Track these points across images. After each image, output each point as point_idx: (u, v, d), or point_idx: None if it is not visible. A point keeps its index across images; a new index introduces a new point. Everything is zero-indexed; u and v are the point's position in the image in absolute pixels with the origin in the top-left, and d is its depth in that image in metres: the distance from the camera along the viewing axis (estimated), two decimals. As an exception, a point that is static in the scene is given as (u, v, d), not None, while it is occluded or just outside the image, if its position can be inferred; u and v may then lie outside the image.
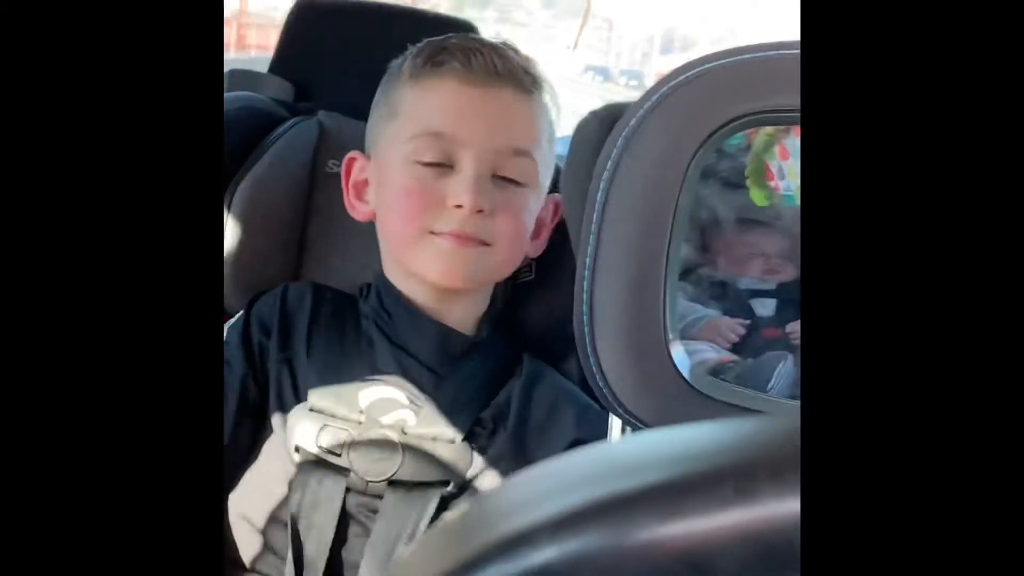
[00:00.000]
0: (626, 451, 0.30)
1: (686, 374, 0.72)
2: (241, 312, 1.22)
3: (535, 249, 1.20)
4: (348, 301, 1.23)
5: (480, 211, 1.11)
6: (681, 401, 0.71)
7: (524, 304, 1.23)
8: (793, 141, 0.85)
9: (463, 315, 1.19)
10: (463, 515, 0.31)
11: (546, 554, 0.26)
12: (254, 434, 1.17)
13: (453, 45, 1.15)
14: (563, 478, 0.29)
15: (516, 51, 1.18)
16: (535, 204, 1.16)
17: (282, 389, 1.16)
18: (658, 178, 0.71)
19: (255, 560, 1.12)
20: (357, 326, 1.19)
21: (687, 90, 0.71)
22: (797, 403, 0.79)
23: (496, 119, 1.14)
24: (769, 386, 0.82)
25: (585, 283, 0.72)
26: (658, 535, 0.25)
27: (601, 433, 0.96)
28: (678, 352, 0.72)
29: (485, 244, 1.13)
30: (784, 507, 0.24)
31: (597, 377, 0.73)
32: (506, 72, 1.14)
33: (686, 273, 0.81)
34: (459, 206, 1.10)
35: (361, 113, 1.21)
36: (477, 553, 0.27)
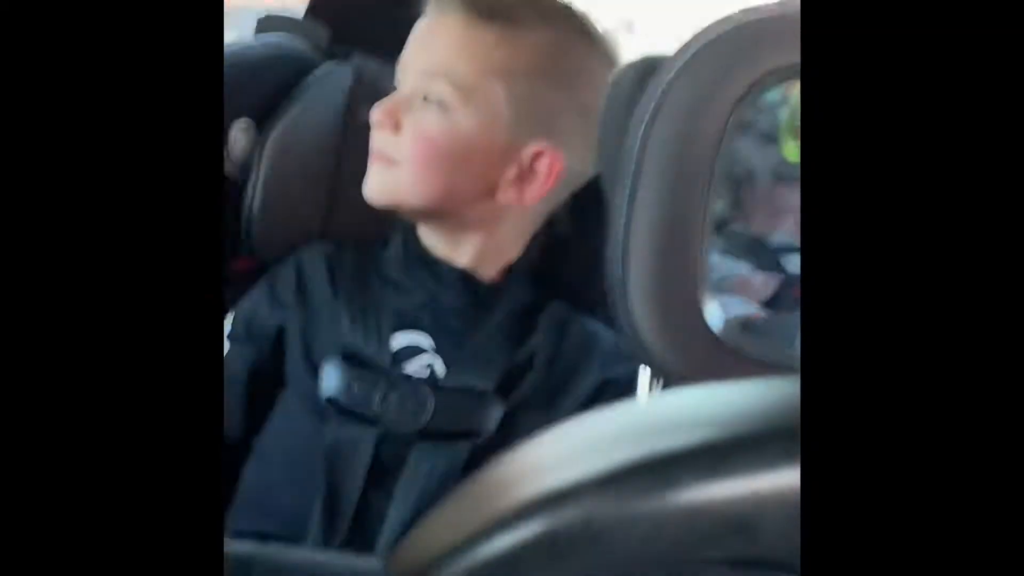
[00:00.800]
0: (665, 409, 0.30)
1: (716, 329, 0.72)
2: (258, 285, 1.24)
3: (520, 198, 1.15)
4: (368, 251, 1.23)
5: (381, 124, 1.13)
6: (711, 356, 0.71)
7: (559, 260, 1.23)
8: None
9: (484, 262, 1.19)
10: (504, 467, 0.31)
11: (590, 510, 0.26)
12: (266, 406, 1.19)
13: None
14: (601, 436, 0.29)
15: None
16: (467, 132, 1.12)
17: (308, 345, 1.17)
18: (695, 132, 0.71)
19: (281, 506, 1.13)
20: (380, 275, 1.20)
21: (724, 43, 0.70)
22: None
23: (427, 40, 1.15)
24: (796, 343, 0.82)
25: (620, 236, 0.72)
26: (702, 496, 0.25)
27: (631, 375, 0.96)
28: (710, 308, 0.72)
29: (394, 162, 1.13)
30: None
31: (628, 328, 0.73)
32: (468, 2, 1.13)
33: (719, 228, 0.81)
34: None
35: (397, 58, 1.21)
36: (523, 504, 0.27)
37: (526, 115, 1.13)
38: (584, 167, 1.16)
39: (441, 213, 1.17)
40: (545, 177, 1.14)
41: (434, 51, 1.14)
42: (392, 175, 1.14)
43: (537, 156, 1.14)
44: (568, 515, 0.27)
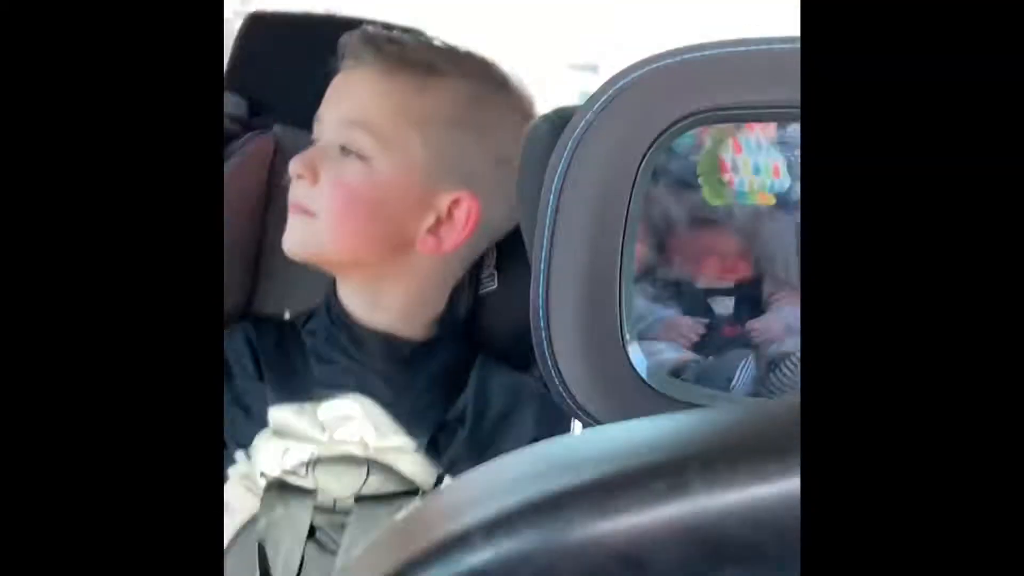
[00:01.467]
0: (564, 449, 0.29)
1: (644, 374, 0.72)
2: None
3: (438, 247, 1.16)
4: (288, 327, 1.23)
5: (300, 176, 1.13)
6: (641, 402, 0.71)
7: (488, 314, 1.22)
8: (746, 136, 0.85)
9: (408, 319, 1.18)
10: (408, 517, 0.31)
11: (482, 556, 0.26)
12: None
13: (352, 40, 1.17)
14: (502, 477, 0.29)
15: (421, 36, 1.20)
16: (384, 180, 1.13)
17: (236, 424, 1.16)
18: (609, 180, 0.71)
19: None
20: (302, 349, 1.19)
21: (634, 91, 0.71)
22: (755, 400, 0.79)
23: (344, 91, 1.16)
24: (732, 384, 0.82)
25: (540, 287, 0.72)
26: (593, 533, 0.25)
27: (563, 432, 0.96)
28: (635, 352, 0.72)
29: (312, 214, 1.13)
30: (716, 500, 0.24)
31: (555, 380, 0.73)
32: (372, 53, 1.15)
33: (644, 274, 0.82)
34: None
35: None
36: (415, 556, 0.27)
37: (443, 163, 1.14)
38: (503, 216, 1.16)
39: (360, 265, 1.16)
40: (463, 224, 1.15)
41: (351, 102, 1.15)
42: (311, 227, 1.14)
43: (455, 204, 1.14)
44: (460, 563, 0.26)
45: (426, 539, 0.27)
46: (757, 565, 0.25)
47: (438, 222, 1.14)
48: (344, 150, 1.13)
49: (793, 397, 0.32)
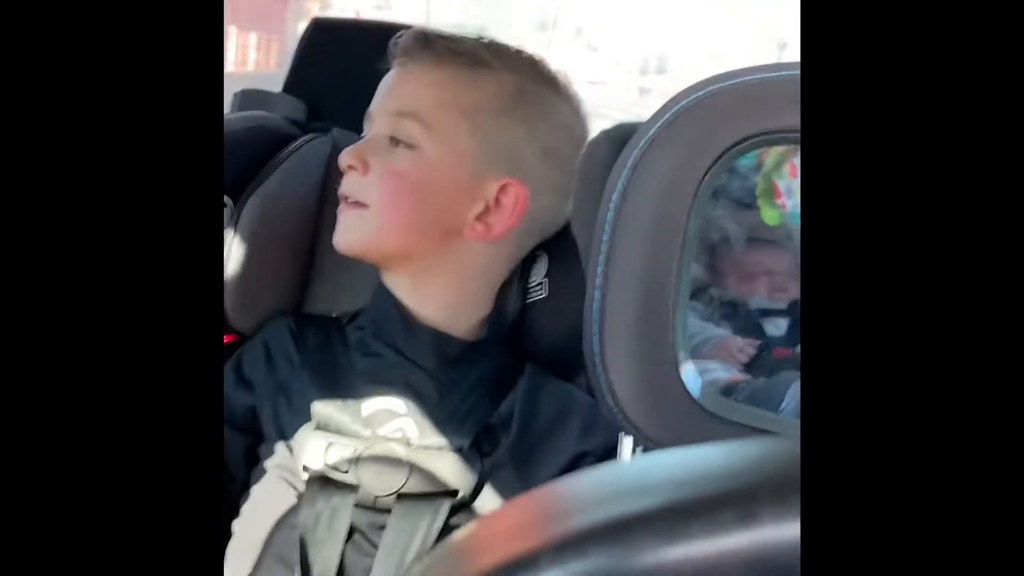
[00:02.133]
0: (631, 473, 0.29)
1: (696, 393, 0.71)
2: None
3: (486, 234, 1.17)
4: (333, 323, 1.24)
5: (351, 168, 1.15)
6: (691, 421, 0.71)
7: (536, 321, 1.23)
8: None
9: (456, 316, 1.19)
10: (469, 535, 0.31)
11: (546, 577, 0.26)
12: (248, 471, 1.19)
13: (403, 39, 1.20)
14: (567, 500, 0.29)
15: (470, 36, 1.21)
16: (434, 168, 1.15)
17: (279, 415, 1.17)
18: (669, 198, 0.71)
19: (262, 580, 1.12)
20: (346, 343, 1.20)
21: (698, 110, 0.71)
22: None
23: (394, 86, 1.19)
24: (781, 406, 0.81)
25: (595, 303, 0.72)
26: (660, 560, 0.25)
27: (608, 446, 0.95)
28: (688, 372, 0.72)
29: (364, 205, 1.15)
30: (786, 530, 0.24)
31: (607, 395, 0.73)
32: (423, 48, 1.17)
33: (697, 293, 0.81)
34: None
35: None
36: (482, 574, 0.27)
37: (490, 151, 1.16)
38: (550, 207, 1.18)
39: (410, 256, 1.18)
40: (511, 210, 1.16)
41: (400, 94, 1.18)
42: (362, 218, 1.16)
43: (503, 190, 1.16)
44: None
45: (492, 557, 0.27)
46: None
47: (486, 209, 1.16)
48: (394, 140, 1.15)
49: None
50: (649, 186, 0.71)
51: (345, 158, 1.16)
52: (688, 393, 0.71)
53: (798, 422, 0.77)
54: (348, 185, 1.17)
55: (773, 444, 0.28)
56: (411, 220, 1.16)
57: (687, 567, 0.25)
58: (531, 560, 0.26)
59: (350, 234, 1.17)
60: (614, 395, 0.73)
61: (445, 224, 1.16)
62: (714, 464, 0.27)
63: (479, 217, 1.16)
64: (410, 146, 1.15)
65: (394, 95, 1.18)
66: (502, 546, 0.27)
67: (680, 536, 0.25)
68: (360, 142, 1.18)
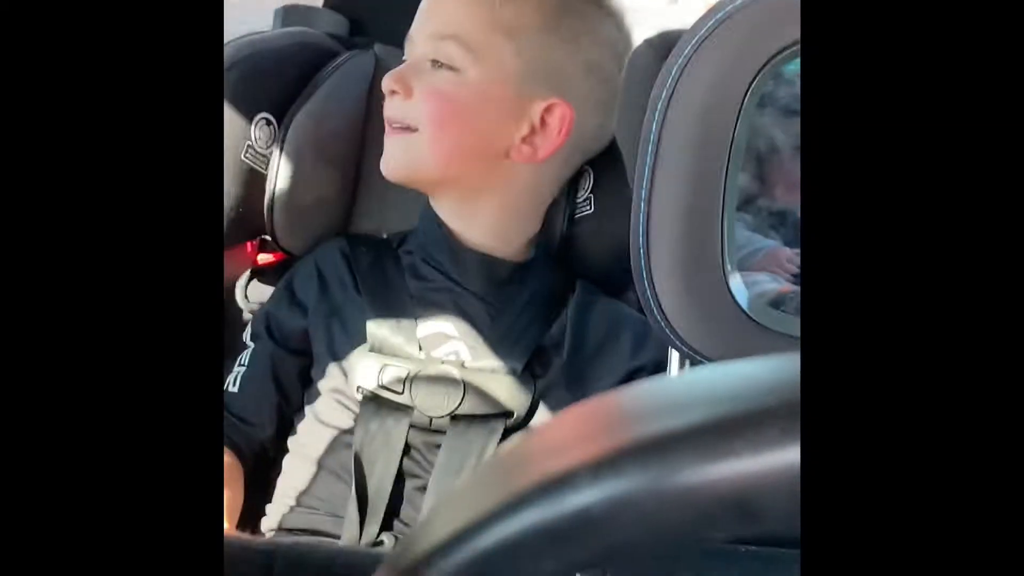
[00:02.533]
0: (673, 388, 0.29)
1: (745, 305, 0.71)
2: (278, 286, 1.25)
3: (533, 154, 1.16)
4: (384, 244, 1.24)
5: (394, 92, 1.14)
6: (740, 333, 0.70)
7: (583, 238, 1.22)
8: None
9: (504, 237, 1.19)
10: (509, 452, 0.30)
11: (586, 496, 0.25)
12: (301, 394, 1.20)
13: None
14: (608, 416, 0.28)
15: None
16: (478, 90, 1.14)
17: (333, 338, 1.17)
18: (714, 106, 0.70)
19: (317, 499, 1.13)
20: (399, 265, 1.20)
21: (742, 16, 0.69)
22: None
23: (434, 7, 1.17)
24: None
25: (641, 215, 0.71)
26: (702, 477, 0.24)
27: (661, 361, 0.95)
28: (736, 283, 0.71)
29: (411, 129, 1.14)
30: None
31: (654, 310, 0.72)
32: None
33: (745, 204, 0.80)
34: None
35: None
36: (517, 495, 0.26)
37: (535, 70, 1.14)
38: (595, 125, 1.17)
39: (457, 180, 1.17)
40: (557, 131, 1.15)
41: (440, 16, 1.16)
42: (409, 142, 1.15)
43: (548, 110, 1.15)
44: (564, 502, 0.26)
45: (530, 476, 0.27)
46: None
47: (532, 130, 1.15)
48: (436, 63, 1.14)
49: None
50: (694, 94, 0.70)
51: (388, 82, 1.15)
52: (736, 304, 0.70)
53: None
54: (392, 109, 1.16)
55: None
56: (457, 143, 1.15)
57: (728, 485, 0.24)
58: (568, 478, 0.26)
59: (397, 160, 1.17)
60: (661, 309, 0.72)
61: (491, 147, 1.15)
62: (759, 379, 0.26)
63: (525, 139, 1.15)
64: (452, 68, 1.13)
65: (434, 17, 1.16)
66: (541, 464, 0.27)
67: (722, 453, 0.24)
68: (402, 66, 1.16)
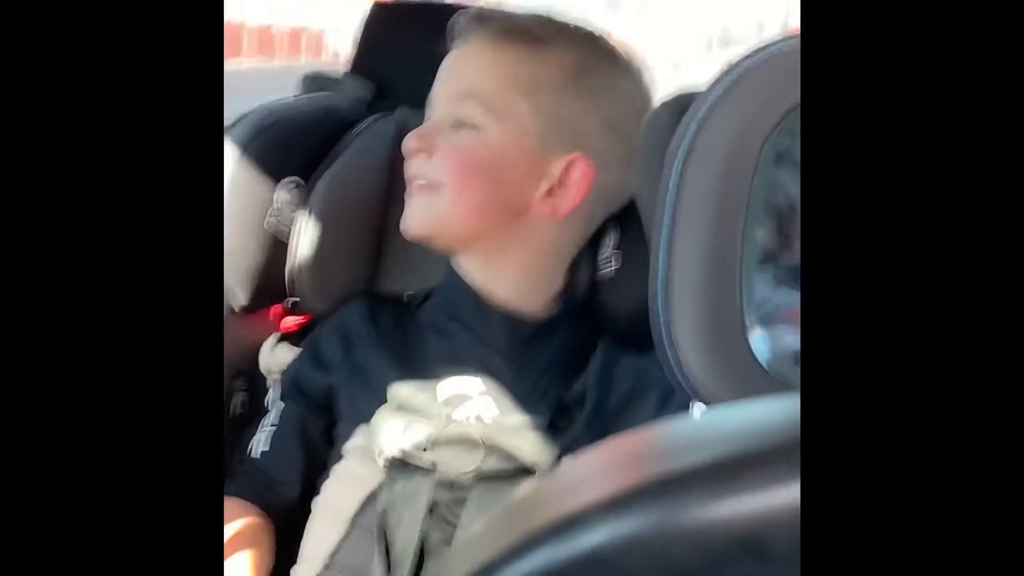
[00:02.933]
0: (682, 429, 0.29)
1: (765, 361, 0.71)
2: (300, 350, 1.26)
3: (554, 212, 1.17)
4: (405, 304, 1.25)
5: (417, 151, 1.16)
6: (760, 389, 0.70)
7: (607, 294, 1.22)
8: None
9: (528, 294, 1.19)
10: (523, 496, 0.31)
11: (597, 536, 0.26)
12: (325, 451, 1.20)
13: (461, 19, 1.20)
14: (619, 457, 0.29)
15: (527, 13, 1.20)
16: (498, 148, 1.15)
17: (356, 397, 1.18)
18: (731, 163, 0.70)
19: (346, 560, 1.13)
20: (419, 325, 1.20)
21: (758, 73, 0.70)
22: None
23: (454, 68, 1.19)
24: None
25: (660, 271, 0.71)
26: (710, 516, 0.24)
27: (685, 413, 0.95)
28: (756, 339, 0.71)
29: (434, 187, 1.15)
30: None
31: (675, 366, 0.72)
32: (480, 28, 1.17)
33: (767, 260, 0.80)
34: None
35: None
36: (530, 535, 0.27)
37: (554, 128, 1.15)
38: (616, 180, 1.17)
39: (479, 237, 1.18)
40: (577, 187, 1.16)
41: (461, 77, 1.18)
42: (430, 200, 1.16)
43: (568, 167, 1.16)
44: (576, 542, 0.26)
45: (543, 517, 0.27)
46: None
47: (552, 187, 1.16)
48: (457, 123, 1.15)
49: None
50: (711, 150, 0.70)
51: (410, 142, 1.16)
52: (756, 361, 0.70)
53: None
54: (415, 168, 1.17)
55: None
56: (480, 200, 1.16)
57: (735, 523, 0.24)
58: (580, 519, 0.26)
59: (420, 218, 1.17)
60: (681, 365, 0.72)
61: (513, 204, 1.16)
62: (768, 417, 0.27)
63: (545, 196, 1.16)
64: (473, 127, 1.14)
65: (454, 77, 1.18)
66: (554, 505, 0.27)
67: (730, 490, 0.24)
68: (423, 125, 1.18)
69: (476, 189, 1.15)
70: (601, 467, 0.28)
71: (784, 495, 0.24)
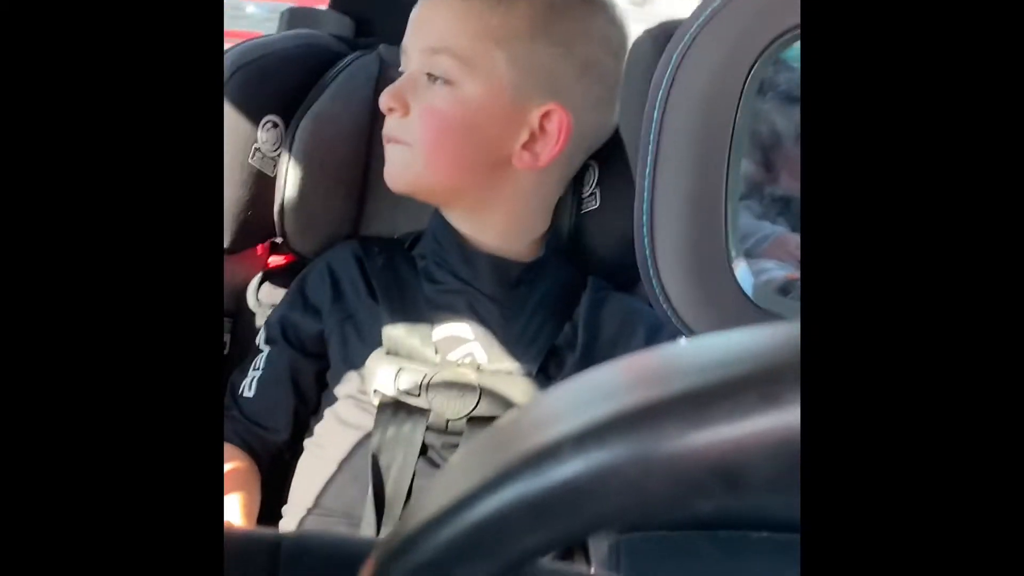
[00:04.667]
0: (655, 360, 0.29)
1: (750, 292, 0.71)
2: (290, 288, 1.26)
3: (534, 161, 1.16)
4: (397, 246, 1.25)
5: (391, 110, 1.15)
6: (745, 320, 0.70)
7: (591, 233, 1.22)
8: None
9: (514, 239, 1.19)
10: (497, 429, 0.31)
11: (571, 467, 0.26)
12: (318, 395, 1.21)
13: None
14: (595, 389, 0.29)
15: None
16: (475, 103, 1.13)
17: (348, 343, 1.18)
18: (714, 94, 0.70)
19: (334, 501, 1.14)
20: (413, 268, 1.20)
21: (739, 3, 0.69)
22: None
23: (424, 20, 1.17)
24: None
25: (645, 204, 0.71)
26: (685, 445, 0.24)
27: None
28: (742, 270, 0.71)
29: (406, 143, 1.15)
30: (810, 411, 0.24)
31: (661, 299, 0.73)
32: None
33: (751, 191, 0.80)
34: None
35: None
36: (505, 467, 0.27)
37: (529, 78, 1.14)
38: (596, 124, 1.17)
39: (460, 191, 1.17)
40: (557, 136, 1.15)
41: (432, 29, 1.15)
42: (408, 157, 1.15)
43: (546, 117, 1.14)
44: (549, 475, 0.26)
45: (517, 450, 0.27)
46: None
47: (532, 137, 1.15)
48: (431, 77, 1.14)
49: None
50: (694, 83, 0.70)
51: (385, 100, 1.15)
52: (742, 292, 0.70)
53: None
54: (390, 126, 1.16)
55: (795, 327, 0.27)
56: (456, 157, 1.15)
57: (710, 452, 0.24)
58: (552, 451, 0.26)
59: (398, 175, 1.17)
60: (667, 299, 0.72)
61: (491, 157, 1.16)
62: (738, 347, 0.27)
63: (525, 146, 1.15)
64: (448, 82, 1.13)
65: (426, 30, 1.16)
66: (527, 439, 0.27)
67: (702, 421, 0.24)
68: (398, 82, 1.16)
69: (451, 148, 1.15)
70: (574, 399, 0.28)
71: (757, 423, 0.24)
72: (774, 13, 0.69)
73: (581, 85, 1.16)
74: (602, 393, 0.27)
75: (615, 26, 1.19)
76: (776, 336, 0.26)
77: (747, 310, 0.71)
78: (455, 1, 1.14)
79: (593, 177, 1.21)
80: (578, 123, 1.15)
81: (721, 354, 0.26)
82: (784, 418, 0.24)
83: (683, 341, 0.66)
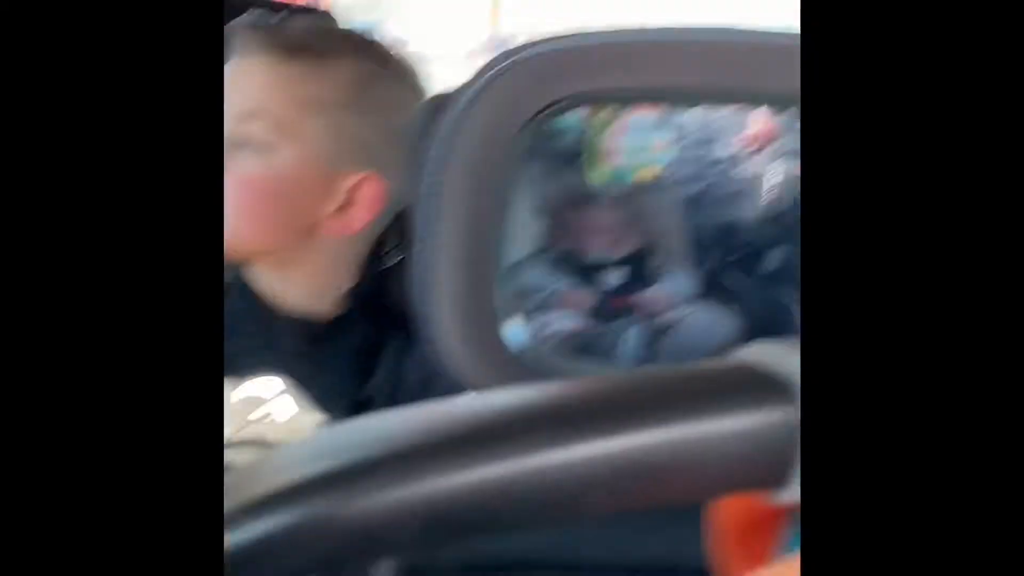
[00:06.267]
0: (345, 432, 0.33)
1: (517, 351, 0.73)
2: None
3: (345, 228, 1.14)
4: None
5: None
6: (515, 377, 0.73)
7: (394, 287, 1.23)
8: (632, 119, 0.87)
9: (318, 298, 1.17)
10: (244, 474, 0.34)
11: (267, 524, 0.29)
12: None
13: (238, 30, 1.15)
14: (300, 452, 0.32)
15: (322, 19, 1.19)
16: (286, 171, 1.11)
17: None
18: (484, 161, 0.72)
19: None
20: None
21: (510, 75, 0.72)
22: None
23: (239, 86, 1.13)
24: (617, 351, 0.85)
25: (423, 267, 0.74)
26: (338, 512, 0.28)
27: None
28: (515, 329, 0.74)
29: None
30: (448, 481, 0.28)
31: (436, 353, 0.75)
32: (259, 41, 1.13)
33: (540, 249, 0.84)
34: None
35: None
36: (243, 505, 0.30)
37: (343, 146, 1.12)
38: (407, 189, 1.15)
39: (263, 254, 1.15)
40: (368, 205, 1.14)
41: (246, 94, 1.12)
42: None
43: (360, 184, 1.13)
44: (254, 527, 0.30)
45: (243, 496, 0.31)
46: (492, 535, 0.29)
47: (345, 203, 1.13)
48: (242, 142, 1.10)
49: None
50: (465, 149, 0.72)
51: None
52: (507, 349, 0.73)
53: (621, 368, 0.80)
54: None
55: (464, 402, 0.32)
56: (263, 225, 1.13)
57: (357, 521, 0.28)
58: (264, 504, 0.30)
59: None
60: (442, 352, 0.75)
61: (300, 223, 1.13)
62: (396, 426, 0.31)
63: (336, 213, 1.13)
64: (261, 147, 1.10)
65: (238, 95, 1.12)
66: (257, 486, 0.31)
67: (353, 494, 0.28)
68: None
69: (258, 215, 1.12)
70: (303, 452, 0.32)
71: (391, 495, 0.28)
72: (545, 84, 0.72)
73: (391, 150, 1.13)
74: (308, 456, 0.31)
75: (416, 92, 1.18)
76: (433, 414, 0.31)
77: (514, 368, 0.73)
78: (267, 66, 1.12)
79: (395, 232, 1.22)
80: (393, 189, 1.14)
81: (377, 432, 0.31)
82: (418, 490, 0.28)
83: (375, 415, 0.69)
